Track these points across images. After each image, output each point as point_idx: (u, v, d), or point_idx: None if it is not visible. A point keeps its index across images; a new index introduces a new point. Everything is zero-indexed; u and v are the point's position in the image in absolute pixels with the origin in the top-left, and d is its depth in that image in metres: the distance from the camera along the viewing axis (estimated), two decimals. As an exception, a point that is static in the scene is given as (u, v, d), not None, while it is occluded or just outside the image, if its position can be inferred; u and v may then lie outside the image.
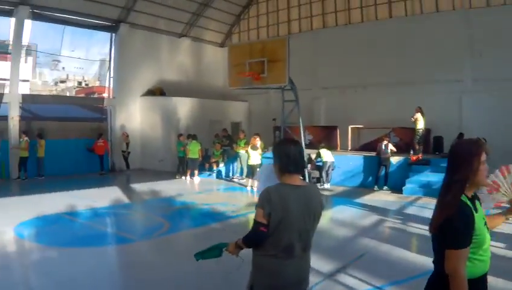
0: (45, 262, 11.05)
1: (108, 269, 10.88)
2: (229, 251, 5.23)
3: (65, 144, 28.22)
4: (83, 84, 54.64)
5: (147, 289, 9.30)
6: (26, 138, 25.60)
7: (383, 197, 20.97)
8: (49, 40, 32.25)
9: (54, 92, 48.95)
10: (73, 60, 42.93)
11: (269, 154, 24.85)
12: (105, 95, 36.08)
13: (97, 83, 50.07)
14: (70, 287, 9.23)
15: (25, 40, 29.11)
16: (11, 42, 27.96)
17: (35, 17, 27.54)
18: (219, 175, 27.50)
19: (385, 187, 22.69)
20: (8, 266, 10.78)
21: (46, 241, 12.84)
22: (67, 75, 53.41)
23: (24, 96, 28.18)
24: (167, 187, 23.38)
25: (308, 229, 4.90)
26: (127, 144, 29.12)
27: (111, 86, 31.85)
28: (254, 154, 23.09)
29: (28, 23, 28.35)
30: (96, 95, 46.00)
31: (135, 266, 10.81)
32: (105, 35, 32.23)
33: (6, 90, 27.26)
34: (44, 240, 13.03)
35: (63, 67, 51.48)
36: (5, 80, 28.82)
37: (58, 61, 50.14)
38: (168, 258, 11.42)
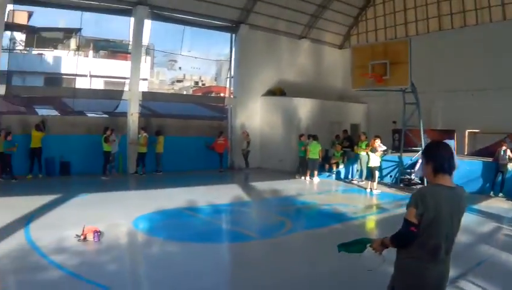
0: (163, 256, 11.12)
1: (228, 266, 10.92)
2: (373, 248, 5.04)
3: (184, 141, 28.49)
4: (200, 84, 55.30)
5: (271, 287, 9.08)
6: (145, 134, 26.03)
7: (499, 204, 20.01)
8: (166, 41, 32.67)
9: (172, 91, 49.89)
10: (190, 60, 43.55)
11: (391, 157, 24.54)
12: (223, 94, 36.35)
13: (214, 83, 50.56)
14: (187, 282, 9.20)
15: (145, 40, 29.52)
16: (130, 42, 28.51)
17: (154, 17, 28.11)
18: (338, 176, 26.87)
19: (501, 194, 21.54)
20: (126, 259, 11.02)
21: (166, 235, 12.88)
22: (184, 75, 54.20)
23: (144, 94, 28.97)
24: (287, 186, 23.13)
25: (453, 232, 4.85)
26: (248, 143, 28.91)
27: (232, 85, 31.89)
28: (374, 157, 22.58)
29: (148, 23, 28.82)
30: (213, 95, 46.36)
31: (256, 264, 10.73)
32: (222, 36, 32.50)
33: (126, 88, 27.76)
34: (164, 234, 13.08)
35: (180, 67, 52.29)
36: (125, 78, 29.48)
37: (175, 61, 50.97)
38: (292, 258, 11.30)
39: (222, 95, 37.31)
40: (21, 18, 40.25)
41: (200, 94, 50.45)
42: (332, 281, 9.40)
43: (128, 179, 25.50)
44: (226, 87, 33.56)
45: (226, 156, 29.93)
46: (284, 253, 11.82)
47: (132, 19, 27.39)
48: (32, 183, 22.72)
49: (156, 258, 11.00)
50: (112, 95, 28.90)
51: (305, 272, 9.97)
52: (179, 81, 54.61)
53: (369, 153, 22.65)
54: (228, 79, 32.21)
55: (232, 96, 31.56)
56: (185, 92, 49.68)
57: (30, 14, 41.28)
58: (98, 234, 11.62)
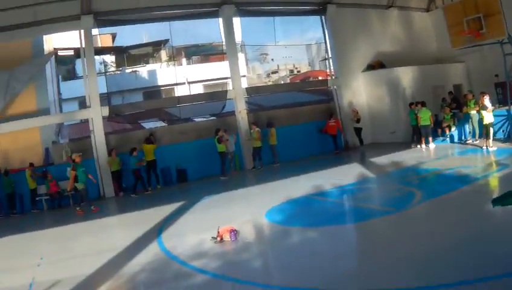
0: (306, 243, 11.11)
1: (380, 242, 10.65)
2: None
3: (295, 129, 28.54)
4: (295, 72, 55.11)
5: (427, 257, 8.80)
6: (257, 129, 26.19)
7: None
8: (254, 35, 32.72)
9: (270, 83, 49.92)
10: (281, 50, 43.41)
11: (499, 111, 23.75)
12: (321, 78, 36.12)
13: (309, 68, 50.29)
14: (338, 265, 9.17)
15: (237, 37, 29.63)
16: (223, 42, 28.66)
17: (241, 13, 28.29)
18: (452, 139, 26.17)
19: None
20: (269, 252, 11.10)
21: (303, 223, 12.90)
22: (278, 66, 54.12)
23: (248, 90, 29.24)
24: (405, 157, 22.81)
25: None
26: (358, 120, 28.79)
27: (331, 67, 31.69)
28: (486, 114, 21.86)
29: (236, 21, 28.92)
30: (311, 79, 46.07)
31: (405, 236, 10.55)
32: (308, 21, 32.51)
33: (230, 87, 27.85)
34: (300, 222, 13.08)
35: (272, 59, 52.26)
36: (224, 78, 29.67)
37: (266, 54, 50.99)
38: (433, 225, 11.13)
39: (321, 78, 37.00)
40: (106, 41, 41.14)
41: (298, 81, 50.31)
42: (479, 244, 9.08)
43: (248, 175, 25.81)
44: (322, 70, 33.36)
45: (340, 137, 29.71)
46: (424, 221, 11.77)
47: (220, 20, 27.72)
48: (152, 195, 23.43)
49: (299, 246, 11.03)
50: (216, 96, 29.33)
51: (451, 236, 9.86)
52: (273, 72, 54.58)
53: (481, 111, 21.91)
54: (326, 61, 31.90)
55: (334, 77, 31.26)
56: (282, 82, 49.53)
57: (114, 36, 42.30)
58: (235, 233, 11.77)
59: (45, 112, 27.93)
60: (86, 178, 20.89)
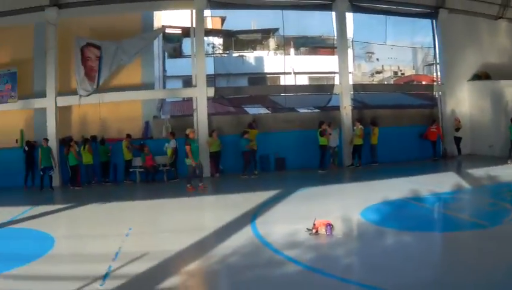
0: (400, 246, 10.98)
1: (470, 255, 10.30)
2: None
3: (397, 131, 28.39)
4: (399, 74, 54.54)
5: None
6: (360, 126, 26.26)
7: None
8: (363, 32, 32.35)
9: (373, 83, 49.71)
10: (387, 51, 42.97)
11: None
12: (424, 82, 35.67)
13: (413, 72, 49.68)
14: (428, 272, 8.83)
15: (348, 33, 29.51)
16: (335, 36, 28.79)
17: (355, 9, 28.26)
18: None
19: None
20: (363, 251, 10.87)
21: (398, 226, 12.71)
22: (382, 66, 53.63)
23: (355, 86, 29.19)
24: (502, 172, 22.01)
25: None
26: (457, 129, 28.52)
27: (437, 72, 31.34)
28: None
29: (349, 16, 28.89)
30: (414, 83, 45.60)
31: (495, 253, 10.03)
32: (417, 24, 32.28)
33: (336, 82, 27.82)
34: (395, 225, 12.90)
35: (377, 59, 51.78)
36: (331, 72, 29.66)
37: (372, 53, 50.58)
38: None
39: (424, 83, 36.52)
40: (215, 24, 41.52)
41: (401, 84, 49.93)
42: None
43: (345, 172, 25.97)
44: (427, 75, 32.98)
45: (439, 144, 29.29)
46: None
47: (333, 14, 27.79)
48: (248, 180, 23.82)
49: (392, 248, 10.92)
50: (323, 89, 29.62)
51: None
52: (378, 72, 54.08)
53: None
54: (432, 66, 31.53)
55: (439, 84, 30.84)
56: (385, 82, 49.15)
57: (223, 19, 42.63)
58: (331, 227, 11.64)
59: (149, 86, 28.80)
60: (197, 154, 21.20)
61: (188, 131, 21.17)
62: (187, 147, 20.44)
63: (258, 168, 25.42)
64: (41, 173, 23.98)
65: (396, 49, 40.06)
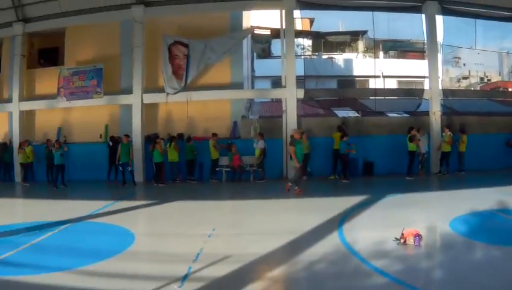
0: (491, 261, 10.53)
1: None
2: None
3: (485, 139, 27.64)
4: (485, 80, 53.58)
5: None
6: (449, 133, 25.87)
7: None
8: (452, 36, 31.76)
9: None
10: (474, 56, 42.28)
11: None
12: (511, 89, 35.01)
13: (499, 78, 48.73)
14: None
15: (439, 37, 28.99)
16: (425, 40, 28.53)
17: (444, 12, 27.82)
18: None
19: None
20: (451, 265, 10.42)
21: (487, 240, 12.22)
22: (469, 71, 52.76)
23: (444, 91, 28.64)
24: None
25: None
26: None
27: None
28: None
29: (439, 19, 28.38)
30: (501, 90, 44.73)
31: None
32: (504, 28, 31.51)
33: (426, 86, 27.46)
34: (484, 238, 12.42)
35: (464, 64, 50.98)
36: (421, 77, 29.27)
37: (459, 58, 49.81)
38: None
39: (510, 90, 35.79)
40: (304, 25, 41.59)
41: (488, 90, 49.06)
42: None
43: (433, 179, 25.46)
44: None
45: (526, 154, 28.46)
46: None
47: (423, 16, 27.46)
48: (333, 183, 24.15)
49: (482, 263, 10.49)
50: (413, 94, 29.36)
51: None
52: (464, 78, 53.22)
53: None
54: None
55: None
56: (472, 88, 48.33)
57: (311, 21, 42.64)
58: (419, 237, 11.42)
59: (238, 86, 28.87)
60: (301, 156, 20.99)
61: (292, 131, 21.16)
62: (291, 148, 20.29)
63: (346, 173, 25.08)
64: (121, 169, 24.73)
65: (483, 55, 39.55)
